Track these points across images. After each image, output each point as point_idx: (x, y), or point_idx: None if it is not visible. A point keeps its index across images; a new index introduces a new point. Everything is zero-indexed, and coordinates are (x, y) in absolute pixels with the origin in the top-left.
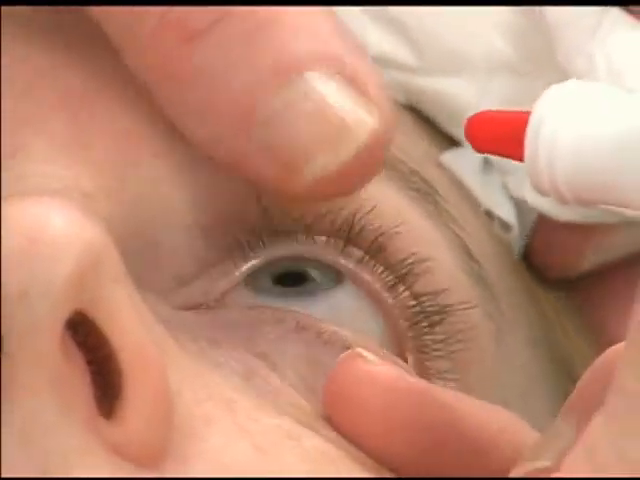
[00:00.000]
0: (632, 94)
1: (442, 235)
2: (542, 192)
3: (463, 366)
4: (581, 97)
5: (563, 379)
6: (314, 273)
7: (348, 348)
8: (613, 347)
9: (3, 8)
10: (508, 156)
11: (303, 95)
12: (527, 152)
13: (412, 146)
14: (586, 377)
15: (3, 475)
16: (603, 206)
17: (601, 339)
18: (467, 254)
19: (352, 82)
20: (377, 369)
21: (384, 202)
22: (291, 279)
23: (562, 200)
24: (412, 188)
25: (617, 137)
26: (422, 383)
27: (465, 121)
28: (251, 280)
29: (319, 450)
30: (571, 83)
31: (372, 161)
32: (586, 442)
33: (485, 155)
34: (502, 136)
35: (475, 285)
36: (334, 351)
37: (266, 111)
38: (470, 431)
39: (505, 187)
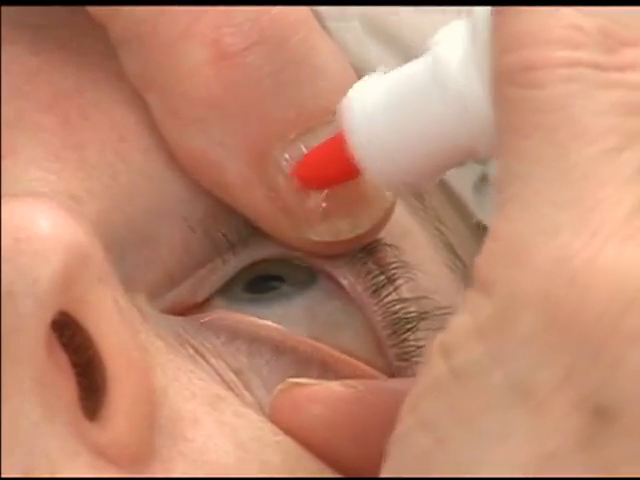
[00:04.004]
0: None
1: (427, 232)
2: (393, 189)
3: None
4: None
5: None
6: (288, 275)
7: (326, 364)
8: None
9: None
10: (348, 178)
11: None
12: (362, 166)
13: None
14: None
15: None
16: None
17: None
18: (452, 252)
19: None
20: (314, 388)
21: None
22: (265, 280)
23: (408, 187)
24: None
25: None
26: (365, 384)
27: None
28: (224, 289)
29: (300, 447)
30: (357, 85)
31: (379, 231)
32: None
33: (483, 172)
34: (330, 165)
35: (460, 282)
36: (311, 369)
37: (286, 155)
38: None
39: None
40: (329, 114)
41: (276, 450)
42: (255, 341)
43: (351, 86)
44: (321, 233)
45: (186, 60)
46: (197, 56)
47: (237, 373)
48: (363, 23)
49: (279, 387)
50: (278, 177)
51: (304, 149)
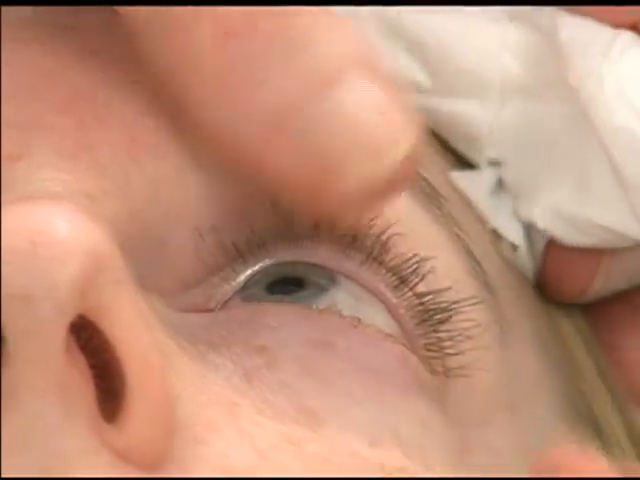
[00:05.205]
0: None
1: (446, 237)
2: None
3: (470, 365)
4: None
5: (570, 390)
6: (308, 276)
7: (359, 323)
8: None
9: (5, 9)
10: None
11: (346, 100)
12: None
13: None
14: None
15: (4, 475)
16: None
17: (612, 361)
18: (472, 258)
19: (387, 91)
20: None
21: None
22: (285, 283)
23: None
24: (416, 187)
25: None
26: None
27: None
28: (243, 291)
29: (320, 456)
30: None
31: (409, 174)
32: None
33: (498, 177)
34: None
35: (479, 287)
36: (343, 327)
37: (308, 114)
38: None
39: (516, 211)
40: (339, 82)
41: (294, 458)
42: (281, 312)
43: (363, 55)
44: (352, 178)
45: (197, 37)
46: (207, 32)
47: (259, 351)
48: (378, 24)
49: (558, 447)
50: (301, 138)
51: (330, 106)
